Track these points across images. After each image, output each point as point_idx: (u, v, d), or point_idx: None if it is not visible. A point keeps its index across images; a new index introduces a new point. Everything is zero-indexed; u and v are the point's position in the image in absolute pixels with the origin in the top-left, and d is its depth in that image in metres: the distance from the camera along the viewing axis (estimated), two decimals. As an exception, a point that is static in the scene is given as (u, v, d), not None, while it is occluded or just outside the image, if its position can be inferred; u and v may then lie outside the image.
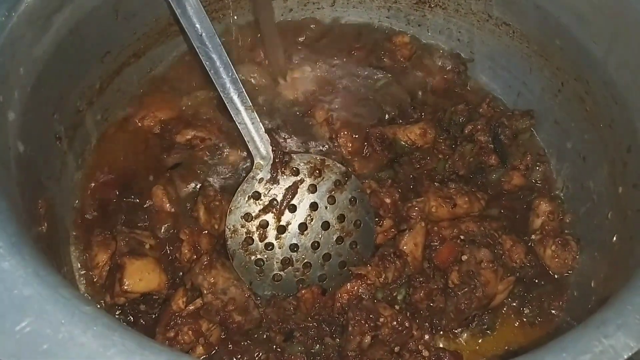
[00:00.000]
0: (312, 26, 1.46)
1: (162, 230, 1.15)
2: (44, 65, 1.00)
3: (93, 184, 1.19)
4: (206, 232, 1.13)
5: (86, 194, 1.19)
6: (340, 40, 1.44)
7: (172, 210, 1.17)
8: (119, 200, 1.18)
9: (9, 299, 0.64)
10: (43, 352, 0.60)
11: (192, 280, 1.05)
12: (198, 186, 1.19)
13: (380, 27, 1.46)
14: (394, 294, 1.09)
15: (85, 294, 1.07)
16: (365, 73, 1.39)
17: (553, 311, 1.11)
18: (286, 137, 1.27)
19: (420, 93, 1.38)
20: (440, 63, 1.40)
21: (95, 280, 1.09)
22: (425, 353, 0.99)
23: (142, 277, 1.04)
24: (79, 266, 1.11)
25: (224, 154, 1.25)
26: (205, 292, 1.04)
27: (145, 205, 1.17)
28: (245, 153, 1.23)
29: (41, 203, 0.98)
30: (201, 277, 1.04)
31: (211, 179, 1.19)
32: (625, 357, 0.65)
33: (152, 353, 0.61)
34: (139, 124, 1.28)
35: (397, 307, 1.06)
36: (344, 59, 1.40)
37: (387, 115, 1.32)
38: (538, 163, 1.27)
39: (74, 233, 1.14)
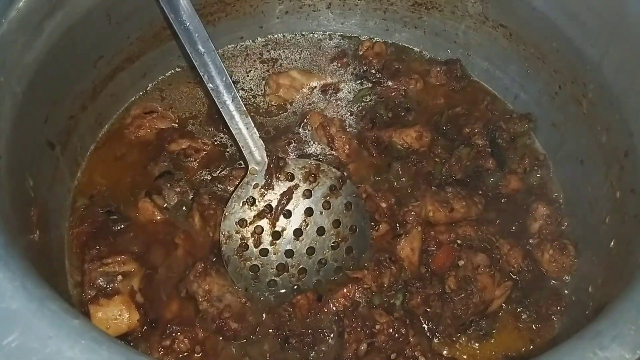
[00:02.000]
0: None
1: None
2: (36, 71, 1.00)
3: (82, 202, 1.17)
4: (201, 238, 1.13)
5: (77, 212, 1.16)
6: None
7: (164, 218, 1.16)
8: (105, 219, 1.14)
9: (-4, 312, 0.63)
10: (30, 367, 0.59)
11: (187, 287, 1.05)
12: (190, 195, 1.18)
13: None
14: (392, 301, 1.08)
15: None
16: (352, 79, 1.40)
17: (551, 316, 1.09)
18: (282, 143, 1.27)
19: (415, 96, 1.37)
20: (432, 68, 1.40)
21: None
22: (422, 359, 0.99)
23: (109, 325, 0.99)
24: (71, 278, 1.10)
25: (217, 166, 1.24)
26: (200, 299, 1.03)
27: (130, 222, 1.14)
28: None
29: (33, 210, 0.98)
30: (196, 285, 1.04)
31: (203, 189, 1.17)
32: (621, 368, 0.64)
33: (141, 367, 0.61)
34: (134, 134, 1.27)
35: (395, 314, 1.05)
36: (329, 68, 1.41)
37: (381, 118, 1.31)
38: (536, 167, 1.26)
39: (67, 249, 1.12)
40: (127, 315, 1.01)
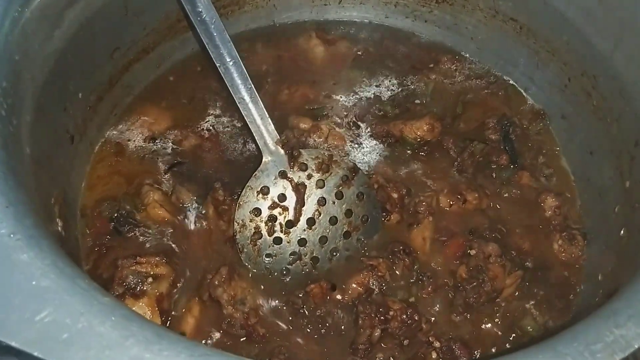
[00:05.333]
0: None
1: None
2: (55, 61, 1.01)
3: (93, 200, 1.16)
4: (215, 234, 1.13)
5: (91, 206, 1.15)
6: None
7: (176, 215, 1.14)
8: (117, 219, 1.12)
9: (28, 290, 0.64)
10: (63, 342, 0.61)
11: (210, 292, 1.03)
12: (204, 190, 1.17)
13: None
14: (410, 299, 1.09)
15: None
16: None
17: (561, 304, 1.11)
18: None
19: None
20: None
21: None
22: (437, 344, 1.00)
23: None
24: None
25: (231, 159, 1.24)
26: (225, 304, 1.02)
27: (141, 223, 1.12)
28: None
29: (54, 199, 0.99)
30: (221, 290, 1.02)
31: (217, 184, 1.16)
32: (636, 346, 0.66)
33: (170, 343, 0.62)
34: (146, 127, 1.26)
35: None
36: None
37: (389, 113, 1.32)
38: (546, 160, 1.27)
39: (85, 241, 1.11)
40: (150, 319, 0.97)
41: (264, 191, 1.12)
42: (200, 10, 1.05)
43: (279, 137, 1.12)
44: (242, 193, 1.11)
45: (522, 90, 1.37)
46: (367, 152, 1.27)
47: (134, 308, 0.98)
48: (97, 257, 1.09)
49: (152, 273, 1.04)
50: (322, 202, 1.13)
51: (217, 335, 1.02)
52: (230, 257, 1.11)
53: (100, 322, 0.62)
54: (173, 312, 1.04)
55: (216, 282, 1.03)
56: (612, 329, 0.66)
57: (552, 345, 0.66)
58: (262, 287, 1.08)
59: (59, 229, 0.98)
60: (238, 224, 1.10)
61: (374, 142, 1.28)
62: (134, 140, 1.25)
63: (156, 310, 1.01)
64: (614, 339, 0.65)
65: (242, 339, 1.02)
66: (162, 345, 0.61)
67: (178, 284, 1.06)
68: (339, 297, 1.07)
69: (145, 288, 1.02)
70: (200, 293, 1.05)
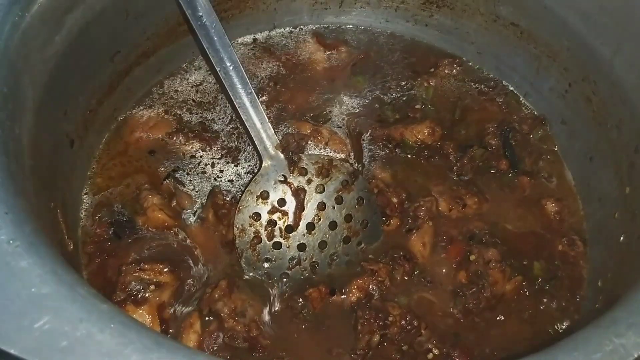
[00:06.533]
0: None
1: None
2: (56, 65, 1.01)
3: (92, 206, 1.15)
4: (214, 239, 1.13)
5: (91, 210, 1.15)
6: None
7: (175, 220, 1.14)
8: (116, 223, 1.12)
9: (27, 297, 0.64)
10: (62, 349, 0.61)
11: (210, 306, 1.02)
12: (204, 196, 1.18)
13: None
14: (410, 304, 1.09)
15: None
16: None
17: (561, 309, 1.11)
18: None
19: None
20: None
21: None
22: (436, 351, 1.00)
23: None
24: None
25: (231, 163, 1.24)
26: (226, 318, 1.01)
27: (140, 228, 1.12)
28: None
29: (54, 205, 0.98)
30: (221, 303, 1.01)
31: (217, 188, 1.18)
32: (636, 355, 0.66)
33: (169, 351, 0.62)
34: (145, 133, 1.26)
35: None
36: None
37: (389, 118, 1.32)
38: (547, 165, 1.27)
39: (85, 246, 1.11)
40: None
41: (264, 196, 1.12)
42: (200, 14, 1.05)
43: (278, 141, 1.12)
44: (242, 198, 1.11)
45: (522, 96, 1.38)
46: (367, 156, 1.27)
47: (134, 315, 0.98)
48: (98, 262, 1.08)
49: (155, 280, 1.03)
50: (321, 206, 1.13)
51: (221, 349, 1.02)
52: (230, 266, 1.11)
53: (99, 329, 0.62)
54: (172, 329, 1.03)
55: (216, 296, 1.02)
56: (612, 338, 0.66)
57: (552, 354, 0.66)
58: (262, 296, 1.08)
59: (60, 234, 0.97)
60: (237, 228, 1.10)
61: (374, 146, 1.28)
62: (134, 145, 1.25)
63: (156, 319, 1.00)
64: (614, 348, 0.65)
65: (244, 351, 1.02)
66: (160, 353, 0.61)
67: (179, 293, 1.06)
68: (338, 301, 1.07)
69: (147, 295, 1.01)
70: (200, 307, 1.04)
